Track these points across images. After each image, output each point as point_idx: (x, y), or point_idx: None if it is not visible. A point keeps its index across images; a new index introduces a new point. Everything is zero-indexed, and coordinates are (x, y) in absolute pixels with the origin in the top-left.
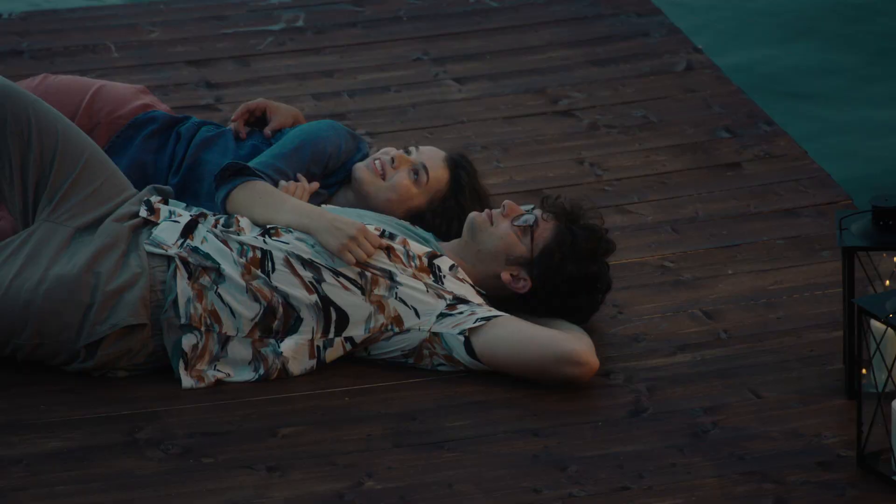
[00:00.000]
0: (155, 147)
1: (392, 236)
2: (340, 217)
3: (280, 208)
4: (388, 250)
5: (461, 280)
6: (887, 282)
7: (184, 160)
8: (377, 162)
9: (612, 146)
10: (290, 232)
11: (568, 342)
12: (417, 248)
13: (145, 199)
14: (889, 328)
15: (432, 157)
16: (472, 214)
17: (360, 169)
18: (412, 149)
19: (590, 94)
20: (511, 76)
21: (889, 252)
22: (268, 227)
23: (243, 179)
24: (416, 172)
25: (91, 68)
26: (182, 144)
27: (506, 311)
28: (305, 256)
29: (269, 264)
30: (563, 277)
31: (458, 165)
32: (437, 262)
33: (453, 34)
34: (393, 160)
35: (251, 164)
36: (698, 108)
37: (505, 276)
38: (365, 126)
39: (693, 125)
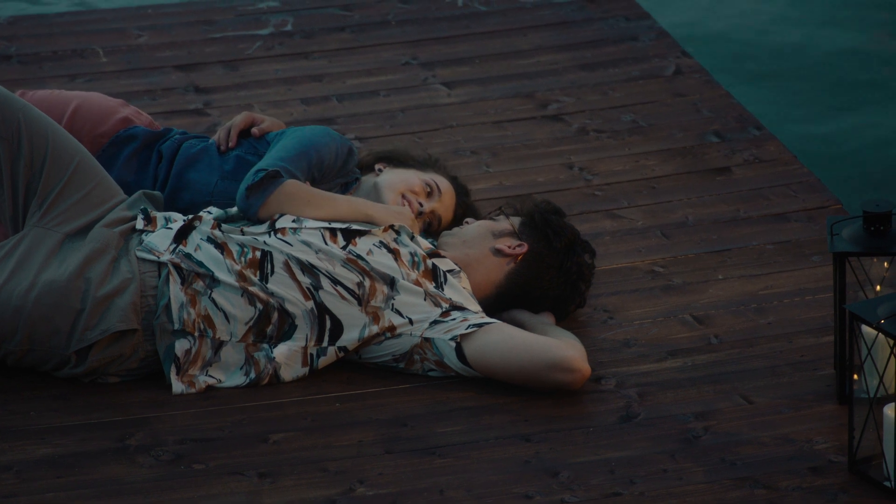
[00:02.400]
0: (136, 167)
1: (400, 230)
2: (391, 206)
3: (335, 204)
4: (395, 254)
5: (461, 286)
6: (878, 286)
7: (167, 180)
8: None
9: (601, 150)
10: (296, 233)
11: (560, 349)
12: (423, 242)
13: (142, 208)
14: (880, 334)
15: (448, 207)
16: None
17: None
18: (432, 184)
19: (579, 98)
20: (500, 80)
21: (880, 257)
22: (275, 225)
23: (279, 182)
24: (429, 224)
25: (79, 73)
26: (164, 164)
27: (503, 315)
28: (306, 261)
29: (269, 266)
30: (553, 230)
31: (467, 211)
32: (439, 263)
33: (442, 38)
34: (421, 213)
35: (260, 165)
36: (687, 113)
37: (501, 245)
38: (354, 130)
39: (682, 129)
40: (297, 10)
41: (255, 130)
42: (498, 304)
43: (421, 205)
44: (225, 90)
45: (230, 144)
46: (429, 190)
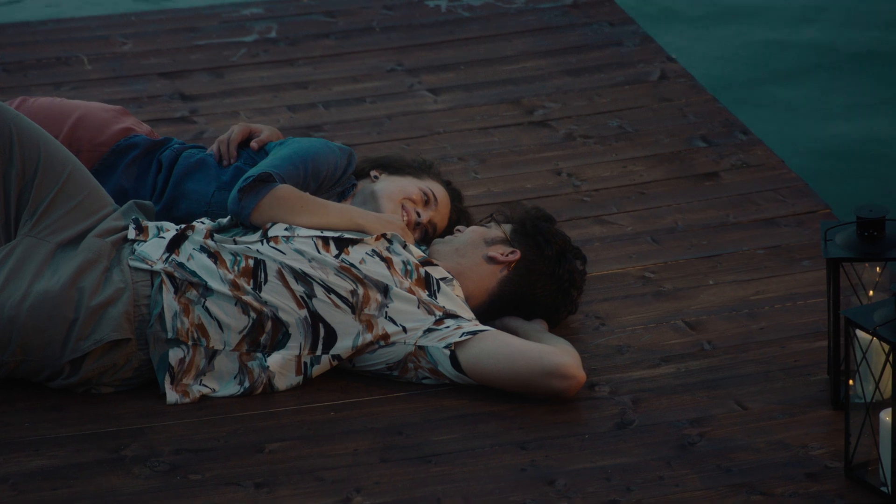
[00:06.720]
0: (136, 174)
1: (392, 239)
2: (382, 214)
3: (326, 212)
4: (388, 262)
5: (454, 294)
6: (871, 292)
7: (165, 190)
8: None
9: (588, 156)
10: (289, 242)
11: (555, 356)
12: (416, 250)
13: (133, 217)
14: (875, 339)
15: (444, 215)
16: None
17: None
18: (429, 192)
19: (564, 104)
20: (485, 86)
21: (872, 262)
22: (267, 233)
23: (272, 186)
24: (424, 232)
25: (64, 81)
26: (163, 175)
27: (496, 323)
28: (299, 269)
29: (262, 275)
30: (544, 237)
31: (460, 217)
32: (431, 271)
33: (426, 45)
34: (419, 223)
35: (259, 169)
36: (674, 118)
37: (493, 253)
38: (341, 138)
39: (669, 135)
40: (280, 16)
41: (253, 144)
42: (491, 311)
43: (419, 214)
44: (211, 97)
45: (231, 160)
46: (426, 199)
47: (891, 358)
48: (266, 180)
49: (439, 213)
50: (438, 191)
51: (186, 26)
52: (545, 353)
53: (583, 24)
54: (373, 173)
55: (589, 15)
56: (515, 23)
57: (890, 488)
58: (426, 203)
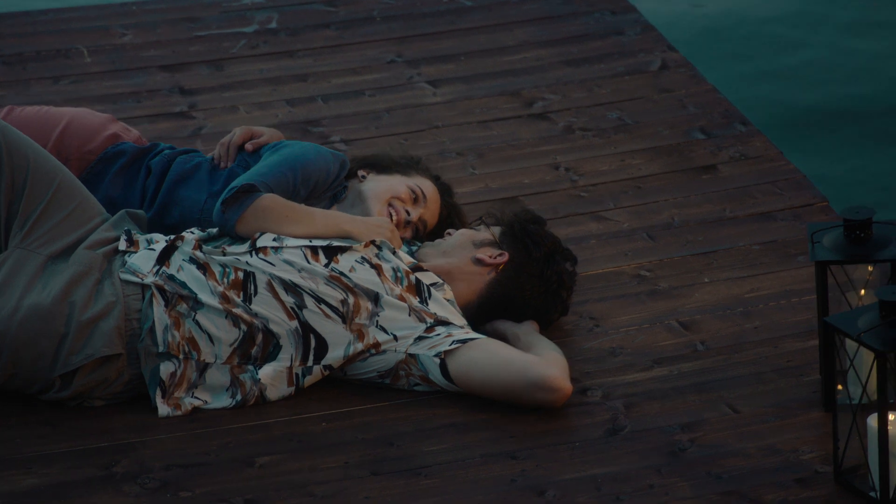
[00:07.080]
0: (123, 183)
1: (381, 245)
2: (370, 218)
3: (312, 220)
4: (378, 269)
5: (445, 300)
6: (862, 291)
7: (156, 195)
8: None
9: (587, 150)
10: (278, 252)
11: (542, 367)
12: (405, 256)
13: (125, 229)
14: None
15: (433, 212)
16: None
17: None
18: (417, 190)
19: (564, 95)
20: (485, 78)
21: (860, 265)
22: (256, 244)
23: (255, 196)
24: (415, 229)
25: (64, 74)
26: (153, 179)
27: (486, 326)
28: (289, 280)
29: (252, 287)
30: (532, 239)
31: (451, 212)
32: (422, 277)
33: (427, 34)
34: (409, 222)
35: (243, 179)
36: (673, 109)
37: (481, 255)
38: (340, 132)
39: (668, 127)
40: (281, 6)
41: (248, 146)
42: (480, 313)
43: (408, 213)
44: (210, 91)
45: (230, 162)
46: (414, 196)
47: (876, 363)
48: (249, 191)
49: (429, 209)
50: (427, 187)
51: (186, 16)
52: (532, 364)
53: (584, 13)
54: (360, 173)
55: (590, 3)
56: (517, 12)
57: (879, 493)
58: (415, 201)
